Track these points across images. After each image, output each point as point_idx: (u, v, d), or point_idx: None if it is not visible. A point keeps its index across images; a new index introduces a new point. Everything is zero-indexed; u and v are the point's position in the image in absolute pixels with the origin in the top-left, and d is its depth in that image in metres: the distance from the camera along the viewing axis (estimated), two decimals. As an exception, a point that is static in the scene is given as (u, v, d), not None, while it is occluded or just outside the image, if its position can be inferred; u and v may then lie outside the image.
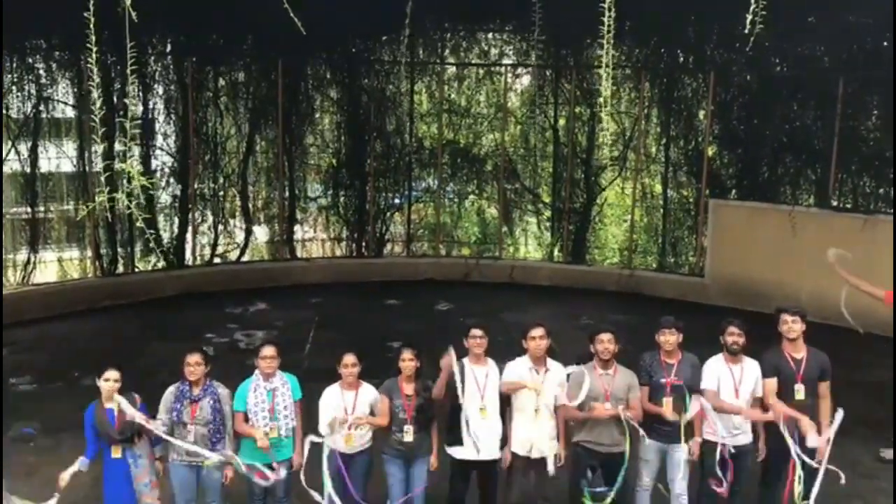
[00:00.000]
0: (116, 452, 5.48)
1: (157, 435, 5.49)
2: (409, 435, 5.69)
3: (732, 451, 5.80)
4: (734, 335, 5.85)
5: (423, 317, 12.16)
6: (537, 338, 5.75)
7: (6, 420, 7.55)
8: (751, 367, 5.89)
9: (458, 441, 5.71)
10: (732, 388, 5.81)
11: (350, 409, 5.69)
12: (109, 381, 5.47)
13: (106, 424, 5.45)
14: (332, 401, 5.73)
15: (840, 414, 5.55)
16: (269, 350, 5.78)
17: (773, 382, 5.82)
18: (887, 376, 9.55)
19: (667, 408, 5.76)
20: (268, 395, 5.70)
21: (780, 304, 6.27)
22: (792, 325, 5.86)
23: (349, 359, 5.74)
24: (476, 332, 5.81)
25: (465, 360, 5.84)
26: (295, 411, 5.80)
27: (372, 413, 5.78)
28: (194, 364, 5.59)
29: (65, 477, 5.31)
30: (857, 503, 6.81)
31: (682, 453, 5.83)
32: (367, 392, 5.81)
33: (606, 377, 5.73)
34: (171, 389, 5.65)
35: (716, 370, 5.86)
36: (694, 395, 5.78)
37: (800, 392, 5.83)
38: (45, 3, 10.70)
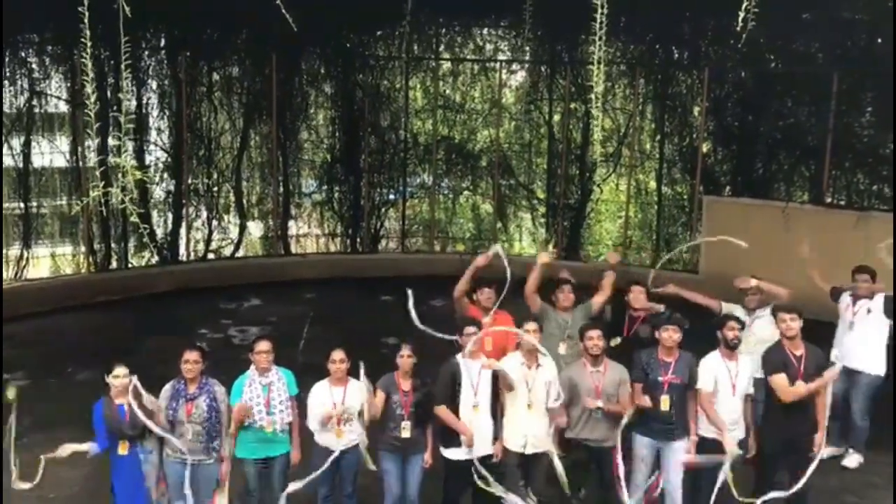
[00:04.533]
0: (123, 449, 5.44)
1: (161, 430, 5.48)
2: (406, 431, 5.69)
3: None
4: (734, 330, 5.87)
5: (419, 313, 12.14)
6: (529, 332, 5.75)
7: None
8: (746, 363, 5.91)
9: (453, 443, 5.72)
10: (729, 384, 5.82)
11: (339, 405, 5.68)
12: (119, 377, 5.44)
13: (117, 420, 5.41)
14: (321, 397, 5.73)
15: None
16: (263, 345, 5.76)
17: (783, 378, 5.82)
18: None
19: (663, 403, 5.76)
20: (263, 390, 5.69)
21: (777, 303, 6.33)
22: (790, 324, 5.89)
23: (337, 355, 5.74)
24: (469, 329, 5.79)
25: (459, 357, 5.84)
26: (291, 407, 5.79)
27: (361, 410, 5.78)
28: (192, 362, 5.55)
29: (67, 448, 5.24)
30: (849, 498, 6.85)
31: (677, 451, 5.83)
32: (356, 388, 5.78)
33: (596, 374, 5.73)
34: (166, 387, 5.62)
35: (712, 368, 5.87)
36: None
37: (800, 389, 5.85)
38: (37, -3, 10.67)
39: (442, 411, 5.68)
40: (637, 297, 6.81)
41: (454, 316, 6.53)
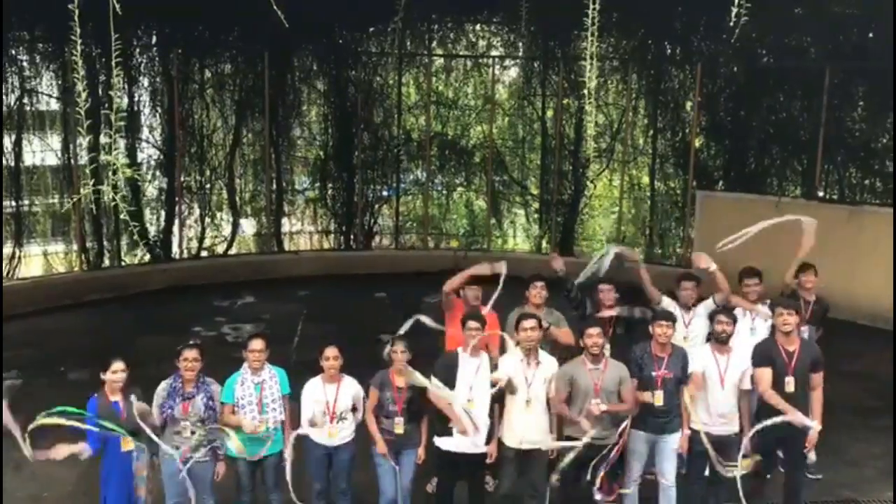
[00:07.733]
0: (127, 445, 5.40)
1: (155, 429, 5.46)
2: (399, 427, 5.69)
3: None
4: (723, 324, 5.88)
5: (412, 309, 12.12)
6: (528, 329, 5.72)
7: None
8: (737, 357, 5.92)
9: (446, 432, 5.72)
10: (718, 377, 5.83)
11: (332, 402, 5.68)
12: (117, 372, 5.41)
13: (113, 417, 5.37)
14: (314, 394, 5.72)
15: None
16: (257, 343, 5.74)
17: (767, 372, 5.84)
18: (876, 366, 9.66)
19: (656, 399, 5.77)
20: (255, 388, 5.68)
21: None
22: (787, 318, 5.90)
23: (330, 352, 5.72)
24: (472, 323, 5.77)
25: (460, 350, 5.83)
26: (283, 405, 5.78)
27: (354, 406, 5.78)
28: (192, 360, 5.51)
29: (62, 450, 5.19)
30: (843, 492, 6.87)
31: (671, 444, 5.85)
32: (349, 385, 5.79)
33: (596, 372, 5.72)
34: (163, 385, 5.59)
35: (702, 358, 5.89)
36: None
37: (790, 385, 5.85)
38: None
39: (434, 396, 5.63)
40: (607, 296, 6.82)
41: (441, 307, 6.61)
